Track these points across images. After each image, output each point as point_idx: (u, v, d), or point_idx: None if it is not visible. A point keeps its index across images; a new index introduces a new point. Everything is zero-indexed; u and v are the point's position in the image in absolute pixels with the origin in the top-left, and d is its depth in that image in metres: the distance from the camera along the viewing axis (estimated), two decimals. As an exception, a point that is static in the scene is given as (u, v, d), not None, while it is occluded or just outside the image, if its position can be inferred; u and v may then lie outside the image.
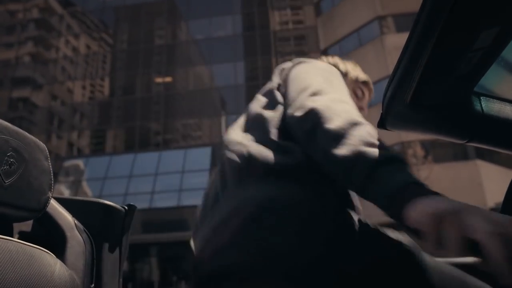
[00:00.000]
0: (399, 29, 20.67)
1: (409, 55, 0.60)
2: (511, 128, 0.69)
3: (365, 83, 1.28)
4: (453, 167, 18.82)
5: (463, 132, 0.69)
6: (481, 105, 0.69)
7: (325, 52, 24.94)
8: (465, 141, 0.70)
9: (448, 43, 0.55)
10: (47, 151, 0.76)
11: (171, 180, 20.88)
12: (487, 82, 0.69)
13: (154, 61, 26.59)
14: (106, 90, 27.84)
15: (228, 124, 24.97)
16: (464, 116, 0.68)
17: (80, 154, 26.23)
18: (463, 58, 0.58)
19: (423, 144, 18.87)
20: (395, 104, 0.68)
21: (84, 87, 28.08)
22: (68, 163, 23.62)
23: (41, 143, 0.75)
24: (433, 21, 0.52)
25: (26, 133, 0.72)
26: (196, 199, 20.51)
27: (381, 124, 0.73)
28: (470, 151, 19.27)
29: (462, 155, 19.29)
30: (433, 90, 0.65)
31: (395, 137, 19.80)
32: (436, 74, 0.61)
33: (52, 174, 0.76)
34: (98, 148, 26.11)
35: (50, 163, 0.76)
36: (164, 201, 19.95)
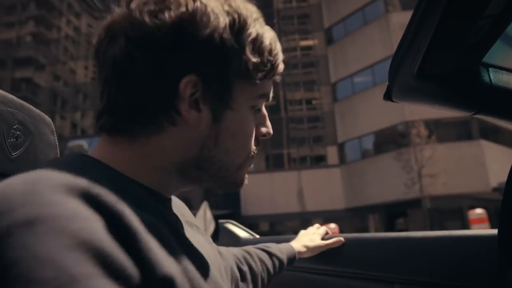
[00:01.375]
0: (405, 7, 20.32)
1: (416, 24, 0.59)
2: (519, 100, 0.69)
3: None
4: (457, 147, 18.78)
5: (470, 103, 0.68)
6: (489, 76, 0.68)
7: (329, 31, 24.65)
8: (472, 113, 0.69)
9: (457, 10, 0.54)
10: (52, 125, 0.76)
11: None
12: (495, 53, 0.68)
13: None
14: (109, 70, 27.69)
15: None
16: (472, 87, 0.67)
17: (83, 134, 26.33)
18: (472, 26, 0.57)
19: (427, 123, 18.79)
20: (401, 75, 0.67)
21: (86, 67, 27.97)
22: (72, 143, 23.72)
23: (47, 117, 0.75)
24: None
25: (32, 107, 0.72)
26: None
27: (388, 96, 0.72)
28: (474, 131, 19.19)
29: (466, 135, 19.21)
30: (440, 60, 0.64)
31: (398, 116, 19.72)
32: (444, 44, 0.60)
33: (58, 148, 0.76)
34: (101, 128, 26.13)
35: (56, 137, 0.76)
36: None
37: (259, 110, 0.60)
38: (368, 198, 20.12)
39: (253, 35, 0.53)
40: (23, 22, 29.04)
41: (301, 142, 24.24)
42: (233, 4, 0.53)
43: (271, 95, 0.61)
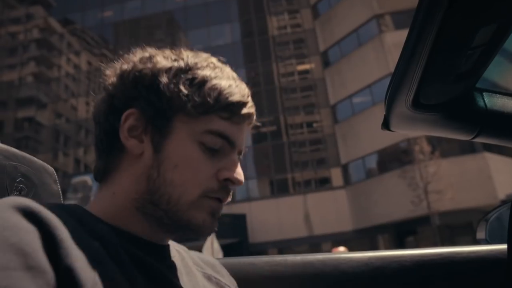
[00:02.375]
0: (398, 26, 20.65)
1: (407, 56, 0.60)
2: (516, 122, 0.69)
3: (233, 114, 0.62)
4: (461, 161, 18.69)
5: (468, 129, 0.69)
6: (484, 100, 0.69)
7: (325, 54, 24.96)
8: (471, 138, 0.70)
9: (446, 42, 0.55)
10: (55, 174, 0.77)
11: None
12: (488, 77, 0.68)
13: (156, 74, 26.67)
14: (110, 105, 27.96)
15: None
16: (468, 113, 0.67)
17: (87, 170, 26.34)
18: (462, 56, 0.58)
19: (430, 140, 18.76)
20: (397, 105, 0.68)
21: (87, 103, 28.25)
22: (76, 179, 23.71)
23: (49, 167, 0.76)
24: (429, 22, 0.52)
25: (34, 158, 0.73)
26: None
27: (385, 126, 0.73)
28: (477, 144, 19.12)
29: (469, 149, 19.14)
30: (434, 90, 0.65)
31: (400, 134, 19.71)
32: (436, 74, 0.61)
33: (61, 197, 0.77)
34: (105, 163, 26.17)
35: (59, 187, 0.77)
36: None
37: (214, 149, 0.60)
38: (376, 218, 19.89)
39: (192, 75, 0.60)
40: (24, 63, 29.58)
41: (304, 165, 24.18)
42: (181, 55, 0.64)
43: (234, 139, 0.61)
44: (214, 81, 0.61)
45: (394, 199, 19.12)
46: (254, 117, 0.67)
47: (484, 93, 0.70)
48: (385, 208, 19.44)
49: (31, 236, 0.43)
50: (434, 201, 17.32)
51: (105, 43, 30.28)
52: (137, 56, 0.64)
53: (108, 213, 0.59)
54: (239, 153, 0.64)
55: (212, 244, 8.39)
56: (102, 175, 0.62)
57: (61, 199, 0.76)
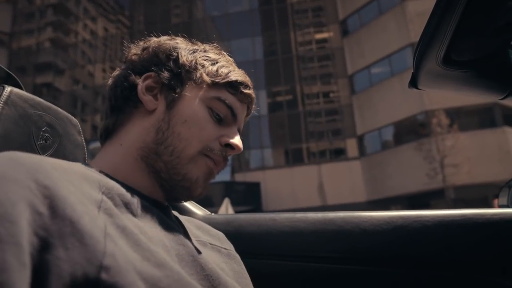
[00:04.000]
0: (421, -6, 19.93)
1: (441, 9, 0.57)
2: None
3: (235, 90, 0.71)
4: (480, 135, 18.38)
5: (499, 87, 0.67)
6: (518, 59, 0.66)
7: (344, 23, 24.39)
8: (502, 97, 0.68)
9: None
10: (79, 126, 0.78)
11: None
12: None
13: (172, 41, 26.52)
14: (126, 72, 28.05)
15: (248, 100, 24.88)
16: (501, 72, 0.65)
17: (104, 136, 26.69)
18: (500, 8, 0.56)
19: (448, 112, 18.43)
20: (427, 61, 0.65)
21: (104, 70, 28.37)
22: (93, 145, 24.13)
23: (73, 118, 0.77)
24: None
25: (59, 109, 0.73)
26: (219, 176, 20.71)
27: (413, 84, 0.71)
28: (498, 118, 18.74)
29: (489, 123, 18.78)
30: (467, 45, 0.62)
31: (418, 106, 19.40)
32: (471, 27, 0.59)
33: (85, 148, 0.78)
34: (121, 129, 26.51)
35: (83, 138, 0.78)
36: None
37: (220, 117, 0.67)
38: (390, 190, 19.88)
39: (207, 55, 0.71)
40: (42, 28, 29.63)
41: (320, 135, 24.09)
42: (195, 42, 0.74)
43: (237, 112, 0.70)
44: (225, 63, 0.71)
45: (409, 171, 19.03)
46: (254, 104, 0.76)
47: (518, 51, 0.67)
48: (400, 180, 19.38)
49: (24, 191, 0.41)
50: (450, 175, 17.18)
51: (121, 9, 30.05)
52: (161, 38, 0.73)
53: (112, 167, 0.63)
54: (238, 130, 0.72)
55: (227, 210, 8.55)
56: (109, 132, 0.68)
57: (85, 150, 0.77)
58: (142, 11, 28.59)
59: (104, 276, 0.41)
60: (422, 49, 0.65)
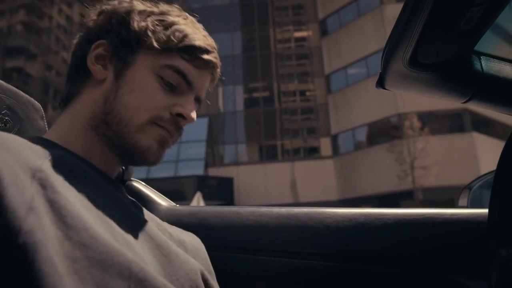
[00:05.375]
0: (399, -1, 20.29)
1: (408, 12, 0.59)
2: (510, 88, 0.69)
3: (191, 55, 0.67)
4: (449, 139, 18.89)
5: (462, 91, 0.69)
6: (481, 64, 0.68)
7: (323, 22, 24.56)
8: (464, 100, 0.69)
9: (450, -2, 0.54)
10: (42, 110, 0.75)
11: (168, 150, 20.92)
12: (487, 42, 0.68)
13: (150, 31, 26.12)
14: (101, 60, 27.48)
15: (225, 95, 24.82)
16: (463, 75, 0.67)
17: (76, 125, 26.11)
18: (464, 13, 0.57)
19: (420, 115, 18.86)
20: (393, 63, 0.67)
21: (78, 57, 27.66)
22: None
23: (36, 102, 0.74)
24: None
25: (21, 92, 0.71)
26: (192, 170, 20.66)
27: (380, 84, 0.72)
28: (467, 123, 19.30)
29: (458, 128, 19.33)
30: (433, 48, 0.64)
31: (392, 108, 19.77)
32: (437, 32, 0.60)
33: (48, 133, 0.75)
34: (94, 119, 26.00)
35: (45, 123, 0.75)
36: (161, 172, 20.04)
37: (172, 86, 0.64)
38: (361, 189, 20.22)
39: (162, 18, 0.66)
40: (14, 10, 28.61)
41: (294, 133, 24.25)
42: (158, 4, 0.70)
43: (192, 79, 0.66)
44: (182, 26, 0.66)
45: (380, 172, 19.39)
46: (218, 69, 0.72)
47: (481, 57, 0.70)
48: (371, 180, 19.73)
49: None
50: (419, 177, 17.60)
51: (99, -5, 29.36)
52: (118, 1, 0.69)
53: (63, 136, 0.63)
54: (197, 99, 0.69)
55: (198, 204, 8.51)
56: (66, 102, 0.67)
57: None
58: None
59: (17, 253, 0.39)
60: (389, 50, 0.66)
